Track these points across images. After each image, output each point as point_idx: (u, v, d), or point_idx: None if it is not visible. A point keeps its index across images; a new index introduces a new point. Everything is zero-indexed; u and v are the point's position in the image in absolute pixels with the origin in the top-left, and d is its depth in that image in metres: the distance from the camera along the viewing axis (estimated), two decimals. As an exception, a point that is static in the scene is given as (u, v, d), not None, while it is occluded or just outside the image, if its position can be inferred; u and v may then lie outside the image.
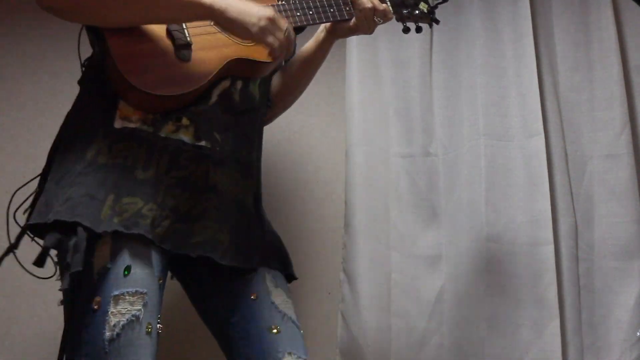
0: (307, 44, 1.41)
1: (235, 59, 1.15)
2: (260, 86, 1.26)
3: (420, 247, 1.81)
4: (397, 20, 1.38)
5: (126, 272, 1.04)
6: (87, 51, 1.23)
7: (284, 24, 1.13)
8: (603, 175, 1.77)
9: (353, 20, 1.30)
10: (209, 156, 1.14)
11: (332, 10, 1.27)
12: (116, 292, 1.02)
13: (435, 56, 1.92)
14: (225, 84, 1.18)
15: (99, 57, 1.12)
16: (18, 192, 1.24)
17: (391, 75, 1.91)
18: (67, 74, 2.02)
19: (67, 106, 1.97)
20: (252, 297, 1.18)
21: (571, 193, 1.78)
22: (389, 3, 1.34)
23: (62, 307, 1.83)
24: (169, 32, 1.11)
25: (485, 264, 1.71)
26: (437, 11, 1.92)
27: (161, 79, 1.08)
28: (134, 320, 1.02)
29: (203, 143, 1.14)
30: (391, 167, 1.85)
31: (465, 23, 1.90)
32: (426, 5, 1.39)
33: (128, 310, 1.02)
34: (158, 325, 1.07)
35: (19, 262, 1.16)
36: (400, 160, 1.86)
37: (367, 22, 1.30)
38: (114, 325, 1.01)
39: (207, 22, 1.14)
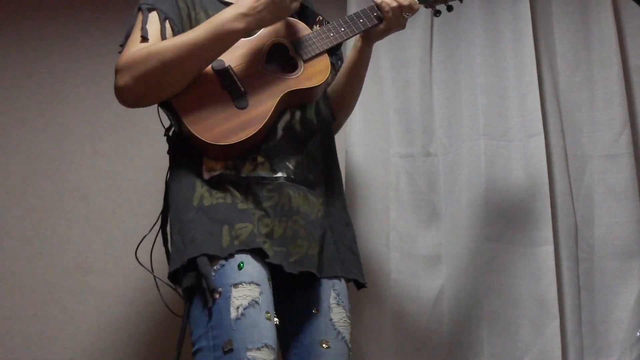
0: (349, 55, 1.49)
1: (287, 92, 1.25)
2: (317, 111, 1.36)
3: (420, 247, 1.82)
4: (426, 7, 1.45)
5: (241, 265, 1.14)
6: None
7: None
8: (603, 175, 1.77)
9: (384, 23, 1.38)
10: (287, 185, 1.25)
11: (361, 20, 1.36)
12: (235, 282, 1.12)
13: (435, 56, 1.92)
14: (286, 117, 1.29)
15: (176, 127, 1.25)
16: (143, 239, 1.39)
17: (391, 75, 1.91)
18: (68, 74, 2.03)
19: (67, 106, 2.00)
20: (313, 310, 1.26)
21: (571, 193, 1.78)
22: None
23: (60, 307, 1.85)
24: (223, 87, 1.24)
25: (485, 264, 1.71)
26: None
27: (228, 129, 1.20)
28: (255, 304, 1.11)
29: (280, 174, 1.25)
30: (391, 167, 1.85)
31: (465, 23, 1.90)
32: None
33: (248, 296, 1.11)
34: (275, 319, 1.15)
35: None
36: (400, 160, 1.86)
37: (397, 20, 1.38)
38: (238, 307, 1.10)
39: (256, 68, 1.27)
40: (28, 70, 2.02)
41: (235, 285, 1.12)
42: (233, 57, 1.26)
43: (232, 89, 1.23)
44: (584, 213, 1.78)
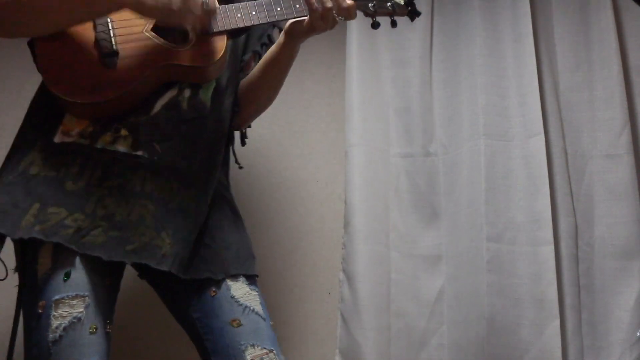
0: (271, 47, 1.35)
1: (165, 65, 1.14)
2: (214, 94, 1.24)
3: (420, 247, 1.82)
4: (366, 16, 1.29)
5: (65, 278, 1.07)
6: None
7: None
8: (603, 175, 1.77)
9: (307, 19, 1.22)
10: (145, 165, 1.14)
11: (278, 9, 1.20)
12: (57, 297, 1.06)
13: (435, 56, 1.92)
14: (172, 92, 1.18)
15: (39, 71, 1.13)
16: None
17: (391, 74, 1.91)
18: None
19: (67, 106, 2.00)
20: (211, 293, 1.18)
21: (571, 193, 1.78)
22: None
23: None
24: (96, 41, 1.12)
25: (485, 264, 1.71)
26: (437, 11, 1.95)
27: (83, 86, 1.09)
28: (76, 322, 1.05)
29: (140, 153, 1.14)
30: (391, 167, 1.85)
31: (465, 23, 1.90)
32: None
33: (69, 313, 1.05)
34: (108, 327, 1.09)
35: None
36: (400, 160, 1.86)
37: (325, 19, 1.22)
38: (56, 328, 1.04)
39: (139, 30, 1.15)
40: (28, 70, 2.02)
41: (57, 301, 1.05)
42: (120, 13, 1.12)
43: (104, 44, 1.11)
44: (584, 213, 1.78)
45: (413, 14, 1.31)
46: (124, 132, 1.13)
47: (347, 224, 1.80)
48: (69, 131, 1.12)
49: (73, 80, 1.09)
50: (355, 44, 1.88)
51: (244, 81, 1.38)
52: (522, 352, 1.66)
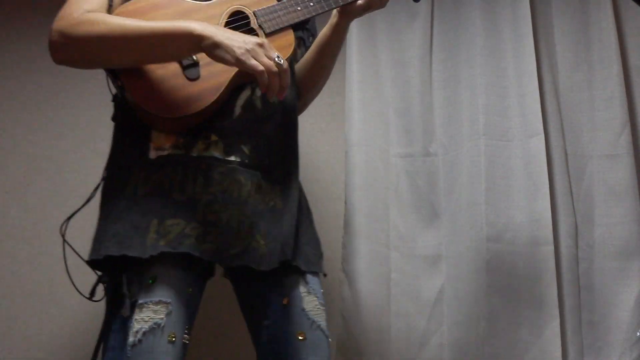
0: (323, 30, 1.40)
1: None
2: None
3: (420, 247, 1.81)
4: None
5: (151, 281, 1.09)
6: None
7: (274, 52, 1.10)
8: (603, 175, 1.77)
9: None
10: (239, 170, 1.17)
11: None
12: (141, 301, 1.08)
13: (435, 56, 1.92)
14: (247, 93, 1.20)
15: (120, 93, 1.17)
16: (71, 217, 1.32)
17: (391, 75, 1.91)
18: (67, 74, 2.03)
19: (67, 106, 2.00)
20: (284, 302, 1.21)
21: (571, 193, 1.78)
22: None
23: (60, 307, 1.85)
24: None
25: (485, 264, 1.70)
26: (437, 11, 1.94)
27: (175, 101, 1.11)
28: (156, 328, 1.07)
29: (232, 158, 1.17)
30: (391, 167, 1.85)
31: (465, 23, 1.90)
32: None
33: (151, 318, 1.07)
34: (185, 336, 1.11)
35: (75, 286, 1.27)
36: (400, 160, 1.86)
37: None
38: (137, 332, 1.06)
39: None
40: (28, 70, 2.02)
41: (140, 305, 1.08)
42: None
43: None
44: (584, 213, 1.78)
45: None
46: (213, 137, 1.16)
47: (347, 224, 1.80)
48: (161, 146, 1.15)
49: (162, 97, 1.11)
50: (355, 44, 1.89)
51: (298, 69, 1.40)
52: (522, 352, 1.66)
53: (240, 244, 1.14)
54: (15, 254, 1.87)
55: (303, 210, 1.32)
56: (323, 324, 1.23)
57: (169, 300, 1.09)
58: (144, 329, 1.06)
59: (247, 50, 1.06)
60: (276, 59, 1.08)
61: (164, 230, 1.09)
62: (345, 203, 1.82)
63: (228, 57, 1.06)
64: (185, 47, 1.09)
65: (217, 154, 1.16)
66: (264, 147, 1.22)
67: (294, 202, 1.28)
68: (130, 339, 1.06)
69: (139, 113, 1.14)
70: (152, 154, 1.14)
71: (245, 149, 1.19)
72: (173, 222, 1.10)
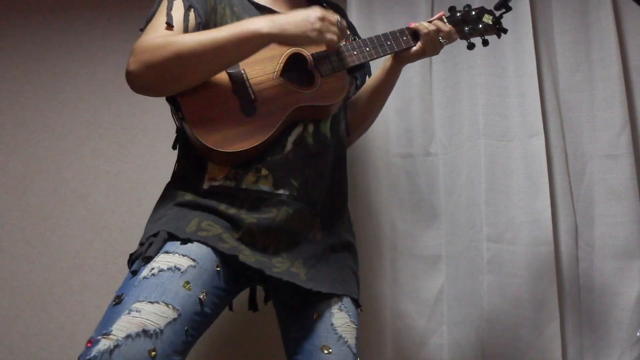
0: (375, 73, 1.47)
1: (298, 107, 1.22)
2: (332, 125, 1.32)
3: (420, 247, 1.82)
4: (461, 38, 1.46)
5: (185, 242, 1.10)
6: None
7: (332, 16, 1.20)
8: (603, 175, 1.77)
9: (419, 44, 1.38)
10: (288, 203, 1.21)
11: (389, 43, 1.35)
12: (169, 250, 1.09)
13: (435, 56, 1.91)
14: (298, 130, 1.25)
15: (179, 124, 1.23)
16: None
17: (391, 75, 1.90)
18: (67, 74, 2.03)
19: (67, 106, 2.00)
20: (314, 316, 1.23)
21: (571, 193, 1.78)
22: (449, 23, 1.41)
23: (60, 307, 1.85)
24: (234, 92, 1.20)
25: (485, 264, 1.71)
26: (437, 11, 1.94)
27: (232, 136, 1.16)
28: (174, 270, 1.05)
29: (281, 191, 1.21)
30: (391, 167, 1.85)
31: (465, 23, 1.90)
32: (491, 17, 1.45)
33: (171, 262, 1.07)
34: (202, 294, 1.07)
35: None
36: (400, 160, 1.86)
37: (433, 45, 1.39)
38: (153, 268, 1.06)
39: (270, 77, 1.23)
40: (28, 71, 2.02)
41: (167, 253, 1.08)
42: (248, 61, 1.21)
43: (243, 94, 1.19)
44: (584, 213, 1.78)
45: (500, 31, 1.47)
46: (264, 171, 1.20)
47: (347, 224, 1.80)
48: (215, 177, 1.19)
49: (220, 131, 1.16)
50: (355, 44, 1.88)
51: (350, 107, 1.47)
52: (522, 352, 1.66)
53: (281, 266, 1.18)
54: (15, 254, 1.87)
55: (347, 243, 1.35)
56: (352, 341, 1.24)
57: (195, 258, 1.09)
58: (160, 267, 1.05)
59: (316, 30, 1.17)
60: (338, 24, 1.20)
61: (204, 227, 1.13)
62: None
63: (304, 42, 1.18)
64: (257, 47, 1.17)
65: (266, 187, 1.20)
66: (313, 181, 1.25)
67: (336, 235, 1.32)
68: (144, 273, 1.05)
69: (196, 145, 1.18)
70: (205, 185, 1.19)
71: (295, 183, 1.22)
72: (212, 224, 1.14)
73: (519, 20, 1.83)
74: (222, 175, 1.19)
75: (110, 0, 2.06)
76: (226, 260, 1.14)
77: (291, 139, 1.23)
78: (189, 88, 1.17)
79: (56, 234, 1.90)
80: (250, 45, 1.16)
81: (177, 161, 1.29)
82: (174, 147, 1.31)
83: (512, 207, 1.74)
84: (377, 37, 1.35)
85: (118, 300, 1.02)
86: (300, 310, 1.25)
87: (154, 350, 0.96)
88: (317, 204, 1.26)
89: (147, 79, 1.14)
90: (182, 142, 1.29)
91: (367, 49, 1.32)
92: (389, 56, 1.43)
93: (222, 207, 1.17)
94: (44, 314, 1.82)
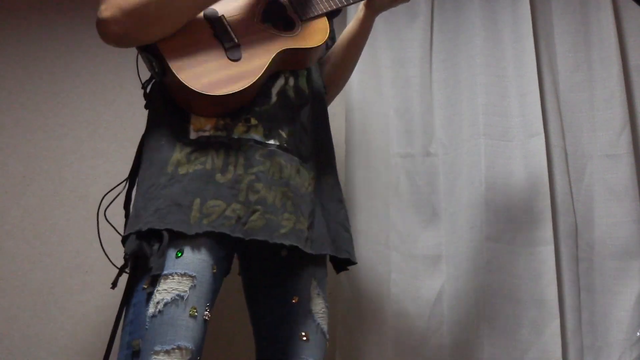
0: (349, 25, 1.44)
1: (283, 50, 1.20)
2: (309, 80, 1.31)
3: (420, 247, 1.81)
4: None
5: (179, 254, 1.07)
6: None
7: None
8: (603, 175, 1.77)
9: None
10: (279, 153, 1.19)
11: None
12: (165, 272, 1.05)
13: (435, 56, 1.92)
14: (281, 82, 1.23)
15: (159, 77, 1.17)
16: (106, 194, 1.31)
17: (391, 74, 1.91)
18: (67, 74, 2.03)
19: (67, 106, 2.00)
20: (293, 300, 1.22)
21: (571, 193, 1.78)
22: None
23: (60, 307, 1.85)
24: (215, 37, 1.18)
25: (485, 264, 1.70)
26: (437, 11, 1.95)
27: (218, 80, 1.14)
28: (179, 300, 1.04)
29: (272, 141, 1.19)
30: (391, 167, 1.85)
31: (465, 23, 1.90)
32: None
33: (174, 290, 1.04)
34: (206, 313, 1.08)
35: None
36: (400, 160, 1.86)
37: None
38: (158, 302, 1.04)
39: (251, 22, 1.22)
40: (28, 70, 2.02)
41: (165, 277, 1.05)
42: (227, 8, 1.21)
43: (225, 39, 1.17)
44: (584, 213, 1.78)
45: None
46: (253, 121, 1.18)
47: (347, 224, 1.80)
48: (202, 128, 1.16)
49: (207, 76, 1.13)
50: (355, 44, 1.88)
51: (323, 64, 1.44)
52: (522, 352, 1.66)
53: (287, 224, 1.15)
54: (15, 254, 1.87)
55: (333, 199, 1.33)
56: (325, 327, 1.24)
57: (194, 274, 1.06)
58: (165, 300, 1.03)
59: None
60: None
61: (206, 210, 1.09)
62: (345, 203, 1.81)
63: None
64: None
65: (257, 136, 1.17)
66: (299, 134, 1.24)
67: (327, 191, 1.30)
68: (151, 310, 1.03)
69: (178, 97, 1.15)
70: (193, 135, 1.15)
71: (284, 134, 1.21)
72: (215, 203, 1.10)
73: (519, 20, 1.83)
74: (210, 125, 1.16)
75: (110, 0, 2.06)
76: (229, 237, 1.11)
77: (275, 90, 1.22)
78: (167, 34, 1.14)
79: (56, 234, 1.90)
80: None
81: (151, 118, 1.25)
82: (146, 107, 1.28)
83: (512, 207, 1.74)
84: None
85: (135, 349, 1.03)
86: (276, 292, 1.23)
87: None
88: (308, 158, 1.26)
89: (123, 25, 1.10)
90: (156, 100, 1.24)
91: None
92: (361, 6, 1.40)
93: (218, 175, 1.13)
94: (44, 314, 1.82)
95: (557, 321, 1.64)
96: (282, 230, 1.14)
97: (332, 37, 1.47)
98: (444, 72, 1.90)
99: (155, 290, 1.05)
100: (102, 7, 1.10)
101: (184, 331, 1.03)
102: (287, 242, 1.14)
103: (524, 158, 1.76)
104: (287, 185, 1.18)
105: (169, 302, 1.03)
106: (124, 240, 1.13)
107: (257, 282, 1.28)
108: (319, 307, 1.23)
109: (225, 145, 1.15)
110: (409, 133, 1.88)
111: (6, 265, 1.87)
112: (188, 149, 1.14)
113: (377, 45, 1.92)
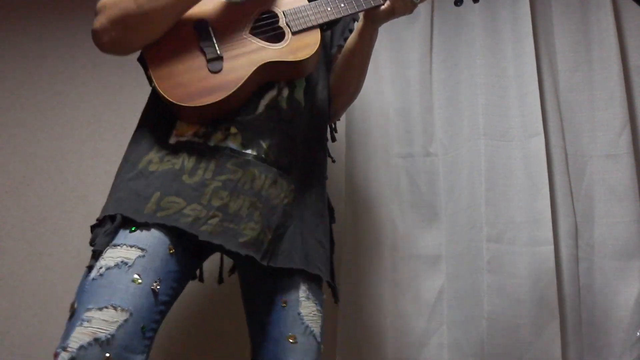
0: (351, 36, 1.44)
1: (264, 63, 1.20)
2: (307, 92, 1.30)
3: (420, 247, 1.81)
4: None
5: (133, 229, 1.09)
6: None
7: None
8: (603, 175, 1.77)
9: (388, 3, 1.32)
10: (254, 163, 1.19)
11: (360, 0, 1.31)
12: (115, 242, 1.07)
13: (435, 56, 1.92)
14: (273, 93, 1.24)
15: (150, 83, 1.22)
16: None
17: (391, 75, 1.91)
18: (67, 74, 2.03)
19: (67, 106, 2.00)
20: (282, 304, 1.22)
21: (571, 193, 1.78)
22: None
23: (60, 307, 1.84)
24: (200, 49, 1.20)
25: (485, 264, 1.71)
26: (437, 11, 1.95)
27: (195, 91, 1.16)
28: (122, 265, 1.04)
29: (249, 151, 1.19)
30: (391, 167, 1.85)
31: (465, 23, 1.90)
32: None
33: (119, 257, 1.05)
34: (155, 284, 1.06)
35: None
36: (400, 160, 1.86)
37: (404, 2, 1.32)
38: (101, 267, 1.04)
39: (240, 34, 1.23)
40: (28, 70, 2.02)
41: (114, 246, 1.06)
42: (218, 18, 1.22)
43: (209, 50, 1.19)
44: (584, 213, 1.78)
45: None
46: (233, 130, 1.19)
47: (347, 224, 1.80)
48: (183, 134, 1.19)
49: (185, 87, 1.16)
50: (355, 44, 1.88)
51: (332, 74, 1.44)
52: (522, 352, 1.66)
53: (251, 233, 1.15)
54: (15, 254, 1.87)
55: (314, 214, 1.32)
56: (317, 330, 1.23)
57: (144, 247, 1.06)
58: (107, 265, 1.04)
59: None
60: None
61: (164, 205, 1.11)
62: (345, 203, 1.82)
63: None
64: None
65: (234, 145, 1.19)
66: (284, 146, 1.24)
67: (308, 204, 1.29)
68: (92, 274, 1.04)
69: (165, 100, 1.17)
70: (172, 140, 1.18)
71: (264, 144, 1.21)
72: (174, 199, 1.12)
73: (519, 20, 1.83)
74: (191, 132, 1.18)
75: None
76: (186, 235, 1.11)
77: (264, 102, 1.23)
78: (151, 40, 1.18)
79: (56, 234, 1.90)
80: None
81: (143, 117, 1.29)
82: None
83: (512, 207, 1.74)
84: None
85: (72, 309, 1.03)
86: (267, 294, 1.23)
87: (108, 357, 0.97)
88: (290, 170, 1.25)
89: (111, 34, 1.16)
90: (150, 102, 1.29)
91: (342, 4, 1.29)
92: (361, 18, 1.39)
93: (185, 176, 1.14)
94: (44, 314, 1.82)
95: (557, 321, 1.64)
96: (242, 239, 1.14)
97: (338, 45, 1.47)
98: (444, 72, 1.90)
99: (100, 258, 1.05)
100: (95, 19, 1.16)
101: (122, 293, 1.01)
102: (242, 252, 1.14)
103: (524, 158, 1.76)
104: (257, 196, 1.18)
105: (111, 267, 1.04)
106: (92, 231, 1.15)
107: (251, 284, 1.29)
108: (308, 309, 1.23)
109: (199, 151, 1.17)
110: (409, 133, 1.88)
111: (6, 265, 1.87)
112: (164, 152, 1.17)
113: (377, 45, 1.90)
